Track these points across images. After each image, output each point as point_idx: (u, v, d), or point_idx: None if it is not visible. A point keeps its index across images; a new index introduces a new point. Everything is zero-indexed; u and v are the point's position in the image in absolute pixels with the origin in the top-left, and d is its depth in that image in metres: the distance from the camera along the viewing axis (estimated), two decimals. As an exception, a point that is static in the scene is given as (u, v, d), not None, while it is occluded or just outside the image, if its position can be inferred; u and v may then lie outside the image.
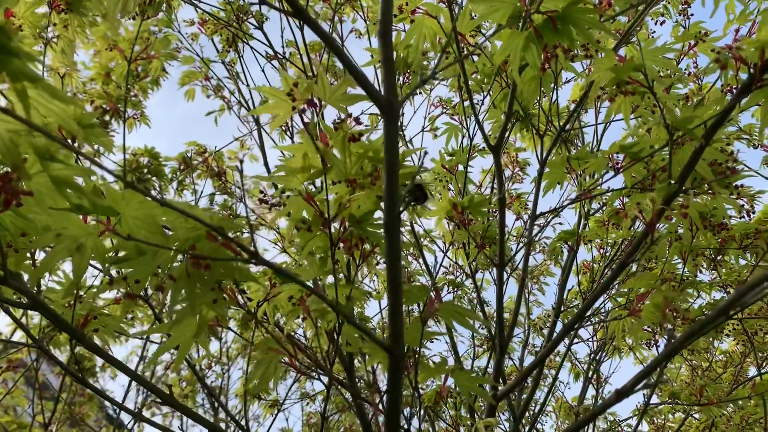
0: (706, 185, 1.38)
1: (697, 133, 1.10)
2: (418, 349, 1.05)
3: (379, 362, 1.19)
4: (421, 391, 1.94)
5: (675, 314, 1.33)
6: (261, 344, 0.97)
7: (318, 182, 1.18)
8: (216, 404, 2.02)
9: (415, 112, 2.48)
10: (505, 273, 2.50)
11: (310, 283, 1.18)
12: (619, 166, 1.22)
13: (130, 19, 1.96)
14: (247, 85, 2.28)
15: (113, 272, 0.96)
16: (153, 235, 0.79)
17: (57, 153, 0.65)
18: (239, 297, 0.92)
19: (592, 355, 2.49)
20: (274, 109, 0.97)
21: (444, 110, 2.03)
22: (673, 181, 1.14)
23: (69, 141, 1.29)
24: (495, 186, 1.40)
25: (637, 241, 1.18)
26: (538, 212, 1.51)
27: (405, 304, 1.07)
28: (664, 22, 1.85)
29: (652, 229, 1.15)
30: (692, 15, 1.90)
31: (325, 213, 1.05)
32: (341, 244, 1.13)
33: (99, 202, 0.74)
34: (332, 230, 1.06)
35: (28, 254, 0.91)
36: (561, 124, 1.42)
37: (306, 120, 0.99)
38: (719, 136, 1.28)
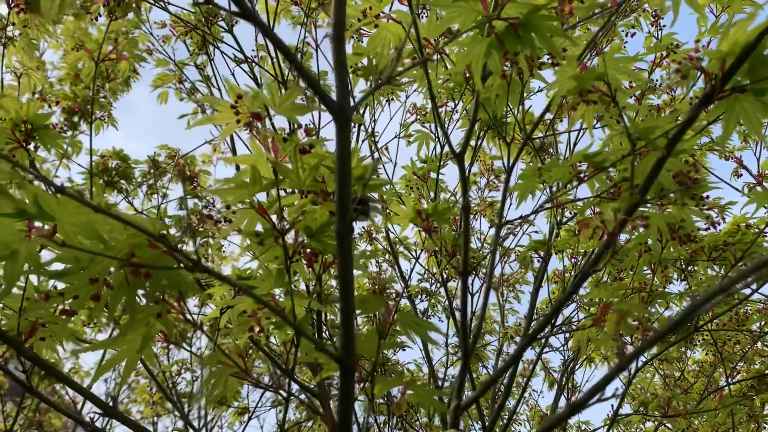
0: (672, 196, 1.38)
1: (659, 143, 1.10)
2: (375, 360, 1.03)
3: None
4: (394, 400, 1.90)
5: (637, 326, 1.32)
6: (210, 357, 0.95)
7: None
8: (182, 413, 1.98)
9: (391, 119, 2.46)
10: (477, 280, 2.49)
11: (273, 293, 1.15)
12: (583, 175, 1.21)
13: (99, 18, 1.92)
14: (219, 89, 2.25)
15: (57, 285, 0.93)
16: (91, 242, 0.76)
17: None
18: (188, 312, 0.88)
19: (566, 364, 2.48)
20: (220, 120, 0.94)
21: (416, 118, 2.01)
22: (635, 192, 1.13)
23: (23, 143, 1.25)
24: (460, 194, 1.39)
25: (600, 251, 1.17)
26: (507, 220, 1.50)
27: (365, 314, 1.04)
28: (635, 34, 1.85)
29: (614, 240, 1.14)
30: (664, 26, 1.90)
31: (278, 225, 1.02)
32: (301, 256, 1.10)
33: (30, 209, 0.71)
34: (287, 242, 1.03)
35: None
36: (531, 132, 1.41)
37: (257, 130, 0.97)
38: (689, 147, 1.28)
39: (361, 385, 1.03)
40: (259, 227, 1.07)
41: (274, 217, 1.01)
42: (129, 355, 0.92)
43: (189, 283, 0.85)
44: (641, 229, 1.54)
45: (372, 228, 2.60)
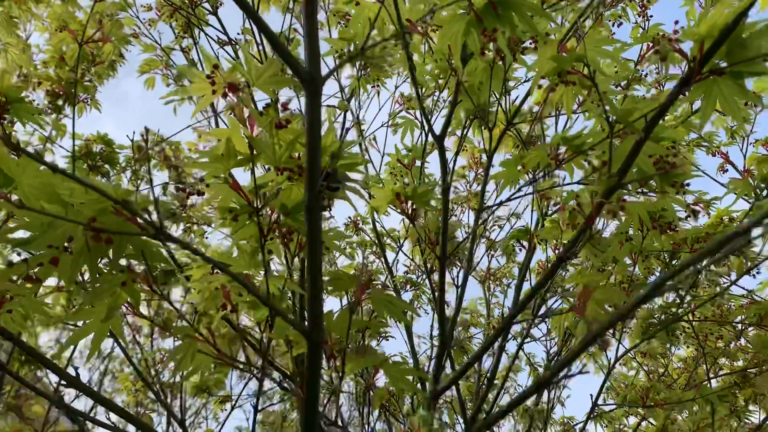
0: (653, 184, 1.37)
1: (638, 126, 1.09)
2: (346, 338, 1.02)
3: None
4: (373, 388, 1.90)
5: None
6: (178, 329, 0.93)
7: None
8: (163, 403, 1.96)
9: (380, 110, 2.45)
10: (464, 271, 2.48)
11: (249, 273, 1.14)
12: (561, 158, 1.20)
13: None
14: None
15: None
16: (51, 205, 0.75)
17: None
18: (156, 287, 0.87)
19: (550, 356, 2.48)
20: (196, 91, 0.93)
21: (402, 107, 2.00)
22: (613, 175, 1.12)
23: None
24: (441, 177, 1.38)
25: (577, 234, 1.16)
26: (487, 206, 1.49)
27: (337, 293, 1.03)
28: (621, 24, 1.85)
29: (591, 223, 1.14)
30: (651, 17, 1.90)
31: (253, 202, 1.01)
32: (276, 235, 1.09)
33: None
34: (262, 220, 1.02)
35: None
36: (522, 121, 1.40)
37: (234, 103, 0.95)
38: (671, 134, 1.28)
39: (332, 362, 1.02)
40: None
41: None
42: (96, 327, 0.91)
43: (156, 253, 0.83)
44: (623, 218, 1.53)
45: (358, 218, 2.59)
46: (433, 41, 1.51)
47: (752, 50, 1.02)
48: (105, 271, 0.83)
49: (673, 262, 1.97)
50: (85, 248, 0.76)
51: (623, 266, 1.78)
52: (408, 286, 2.52)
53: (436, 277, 2.49)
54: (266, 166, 1.07)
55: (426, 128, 1.85)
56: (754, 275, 1.81)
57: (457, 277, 2.73)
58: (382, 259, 2.52)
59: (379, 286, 2.73)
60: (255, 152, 0.99)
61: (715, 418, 2.54)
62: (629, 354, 2.57)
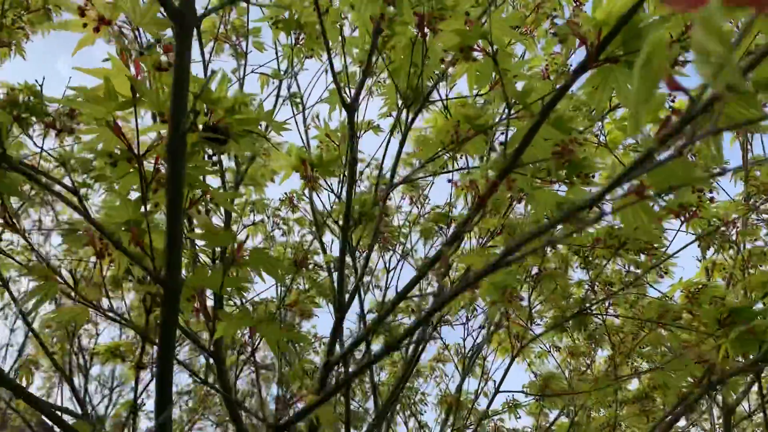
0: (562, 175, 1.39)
1: (534, 108, 1.10)
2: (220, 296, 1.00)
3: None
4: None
5: (511, 297, 1.33)
6: (35, 269, 0.90)
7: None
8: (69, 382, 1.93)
9: (315, 83, 2.41)
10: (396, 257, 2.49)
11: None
12: (463, 138, 1.20)
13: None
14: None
15: None
16: None
17: None
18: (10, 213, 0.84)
19: (474, 346, 2.51)
20: (70, 27, 0.90)
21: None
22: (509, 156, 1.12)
23: None
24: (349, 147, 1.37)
25: (470, 213, 1.17)
26: (394, 183, 1.49)
27: (208, 248, 1.01)
28: (556, 16, 1.85)
29: (483, 202, 1.14)
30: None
31: (134, 148, 0.98)
32: (160, 185, 1.06)
33: None
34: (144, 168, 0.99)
35: None
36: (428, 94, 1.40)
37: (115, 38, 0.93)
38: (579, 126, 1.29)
39: (205, 321, 1.00)
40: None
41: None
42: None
43: (6, 185, 0.80)
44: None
45: (293, 194, 2.56)
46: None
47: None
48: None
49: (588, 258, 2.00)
50: None
51: (536, 258, 1.81)
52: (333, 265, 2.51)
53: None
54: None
55: (357, 105, 1.84)
56: (662, 275, 1.85)
57: (389, 261, 2.74)
58: (319, 239, 2.50)
59: (313, 266, 2.73)
60: (138, 96, 0.96)
61: (626, 415, 2.61)
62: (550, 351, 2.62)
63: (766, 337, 1.22)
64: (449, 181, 1.30)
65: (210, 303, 1.54)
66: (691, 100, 0.55)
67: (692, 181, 0.81)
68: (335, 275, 1.56)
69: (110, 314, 0.99)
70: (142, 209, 1.05)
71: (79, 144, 1.33)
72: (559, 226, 0.98)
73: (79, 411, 1.91)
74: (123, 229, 1.06)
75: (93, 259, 1.16)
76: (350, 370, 1.56)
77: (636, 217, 0.91)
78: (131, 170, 1.04)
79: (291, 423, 0.94)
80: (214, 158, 1.03)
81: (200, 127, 1.01)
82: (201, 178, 1.04)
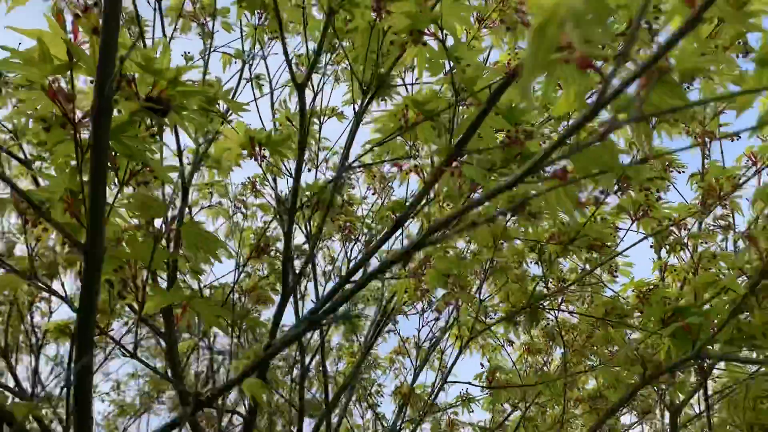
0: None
1: (481, 96, 1.10)
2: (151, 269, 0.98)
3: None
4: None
5: (457, 286, 1.33)
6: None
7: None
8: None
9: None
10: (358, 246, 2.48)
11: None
12: (412, 123, 1.20)
13: None
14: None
15: None
16: None
17: None
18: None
19: (429, 338, 2.52)
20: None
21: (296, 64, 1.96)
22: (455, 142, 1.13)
23: None
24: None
25: (418, 197, 1.16)
26: (349, 164, 1.48)
27: (141, 219, 0.99)
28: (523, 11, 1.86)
29: (430, 187, 1.14)
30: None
31: (70, 114, 0.96)
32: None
33: None
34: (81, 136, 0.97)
35: None
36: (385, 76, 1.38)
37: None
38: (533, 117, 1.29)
39: (134, 294, 0.98)
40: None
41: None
42: None
43: None
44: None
45: (256, 178, 2.53)
46: None
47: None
48: None
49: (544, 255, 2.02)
50: None
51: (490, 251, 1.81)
52: (296, 253, 2.50)
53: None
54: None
55: (317, 90, 1.83)
56: (614, 274, 1.88)
57: (351, 250, 2.74)
58: (283, 225, 2.48)
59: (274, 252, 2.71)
60: (75, 60, 0.93)
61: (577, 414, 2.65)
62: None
63: (700, 336, 1.24)
64: (395, 165, 1.30)
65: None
66: (603, 80, 0.55)
67: (617, 168, 0.81)
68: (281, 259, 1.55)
69: (39, 284, 0.97)
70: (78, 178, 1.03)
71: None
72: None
73: (21, 390, 1.87)
74: (59, 198, 1.04)
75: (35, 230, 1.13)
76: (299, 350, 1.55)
77: (559, 201, 0.91)
78: (67, 137, 1.02)
79: (215, 396, 0.93)
80: (154, 129, 1.01)
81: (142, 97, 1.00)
82: (140, 149, 1.02)
